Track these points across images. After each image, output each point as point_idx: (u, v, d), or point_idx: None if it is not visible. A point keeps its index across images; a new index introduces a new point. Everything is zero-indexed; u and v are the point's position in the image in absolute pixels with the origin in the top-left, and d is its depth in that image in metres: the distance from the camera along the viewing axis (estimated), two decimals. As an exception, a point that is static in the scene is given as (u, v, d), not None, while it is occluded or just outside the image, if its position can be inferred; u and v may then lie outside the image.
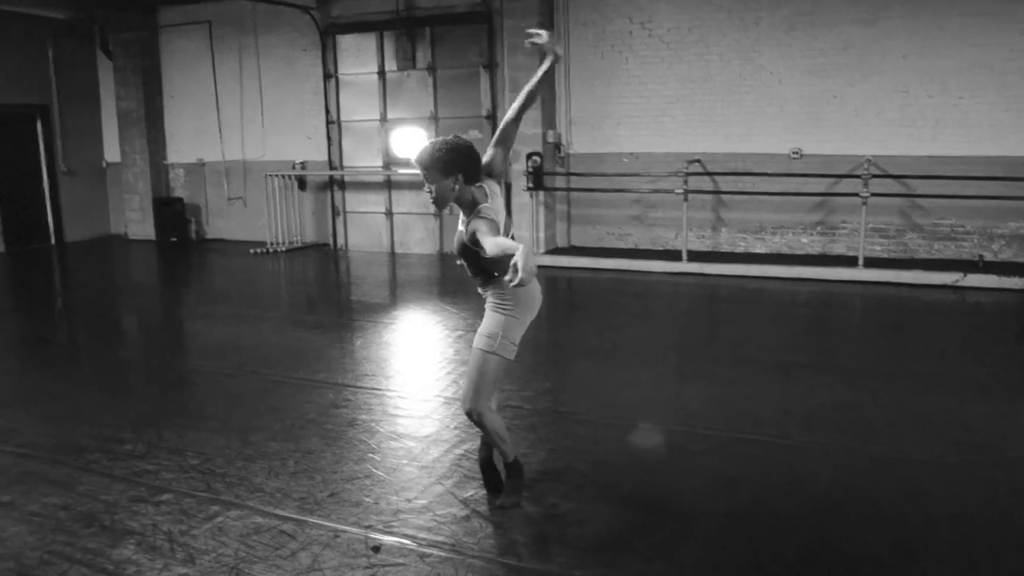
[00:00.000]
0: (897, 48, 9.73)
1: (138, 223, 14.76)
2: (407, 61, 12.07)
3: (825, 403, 5.44)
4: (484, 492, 4.06)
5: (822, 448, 4.66)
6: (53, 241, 14.45)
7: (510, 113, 3.85)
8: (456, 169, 3.55)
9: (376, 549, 3.56)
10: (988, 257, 9.63)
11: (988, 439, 4.77)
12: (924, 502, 4.00)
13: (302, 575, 3.37)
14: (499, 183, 3.81)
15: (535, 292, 3.79)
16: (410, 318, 8.79)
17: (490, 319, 3.76)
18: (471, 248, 3.55)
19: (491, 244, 3.25)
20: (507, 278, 2.99)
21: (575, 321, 8.53)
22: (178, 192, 14.71)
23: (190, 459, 4.61)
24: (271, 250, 12.83)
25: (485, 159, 3.77)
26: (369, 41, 12.40)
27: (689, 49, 10.58)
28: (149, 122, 14.38)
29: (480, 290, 3.84)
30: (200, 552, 3.57)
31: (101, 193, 15.27)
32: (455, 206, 3.68)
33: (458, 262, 4.01)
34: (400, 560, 3.48)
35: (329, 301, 10.10)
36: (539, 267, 3.34)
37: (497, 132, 3.88)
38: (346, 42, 12.58)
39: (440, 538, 3.67)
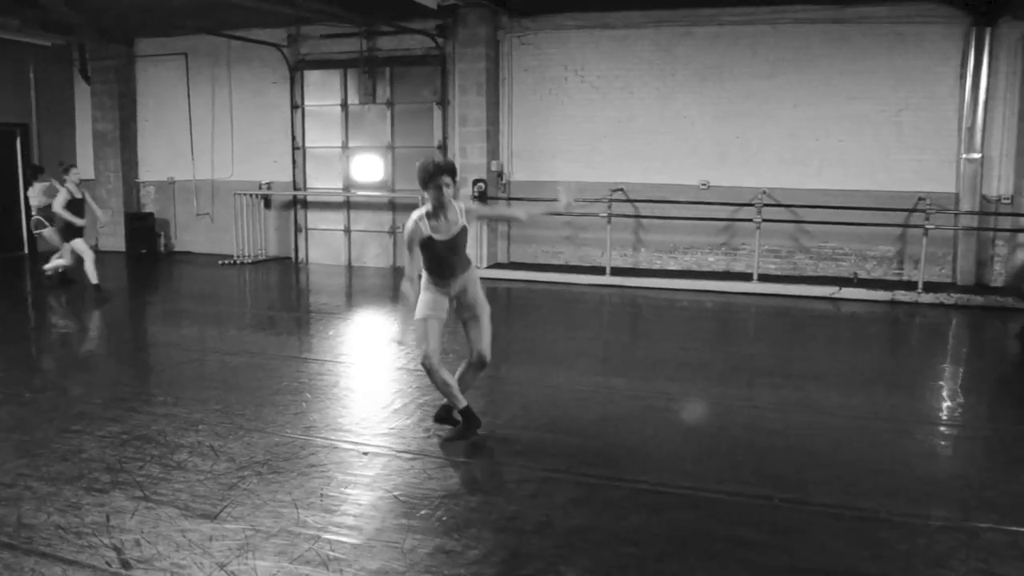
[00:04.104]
0: (790, 99, 11.56)
1: (109, 235, 15.84)
2: (368, 96, 13.56)
3: (728, 381, 7.02)
4: (439, 424, 5.49)
5: (728, 404, 6.23)
6: (26, 251, 15.46)
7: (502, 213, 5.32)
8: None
9: (365, 454, 4.98)
10: (862, 275, 11.44)
11: (864, 406, 6.27)
12: (818, 440, 5.54)
13: (316, 467, 4.77)
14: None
15: None
16: (370, 316, 10.19)
17: (477, 287, 5.20)
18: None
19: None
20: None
21: (517, 324, 10.00)
22: (148, 208, 15.88)
23: (212, 406, 5.96)
24: (238, 262, 14.08)
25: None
26: (334, 77, 13.85)
27: (616, 94, 12.29)
28: (123, 143, 15.55)
29: (458, 272, 5.13)
30: (238, 455, 4.95)
31: (73, 208, 16.32)
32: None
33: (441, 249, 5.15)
34: (384, 460, 4.91)
35: (299, 303, 11.45)
36: (482, 279, 5.15)
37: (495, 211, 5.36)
38: (313, 77, 14.01)
39: (411, 448, 5.11)
